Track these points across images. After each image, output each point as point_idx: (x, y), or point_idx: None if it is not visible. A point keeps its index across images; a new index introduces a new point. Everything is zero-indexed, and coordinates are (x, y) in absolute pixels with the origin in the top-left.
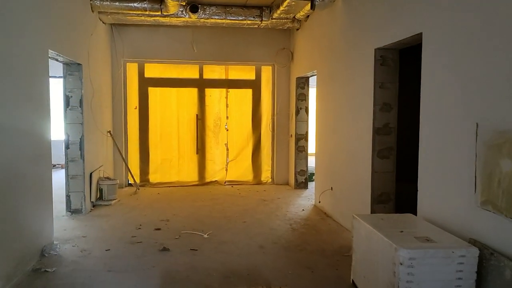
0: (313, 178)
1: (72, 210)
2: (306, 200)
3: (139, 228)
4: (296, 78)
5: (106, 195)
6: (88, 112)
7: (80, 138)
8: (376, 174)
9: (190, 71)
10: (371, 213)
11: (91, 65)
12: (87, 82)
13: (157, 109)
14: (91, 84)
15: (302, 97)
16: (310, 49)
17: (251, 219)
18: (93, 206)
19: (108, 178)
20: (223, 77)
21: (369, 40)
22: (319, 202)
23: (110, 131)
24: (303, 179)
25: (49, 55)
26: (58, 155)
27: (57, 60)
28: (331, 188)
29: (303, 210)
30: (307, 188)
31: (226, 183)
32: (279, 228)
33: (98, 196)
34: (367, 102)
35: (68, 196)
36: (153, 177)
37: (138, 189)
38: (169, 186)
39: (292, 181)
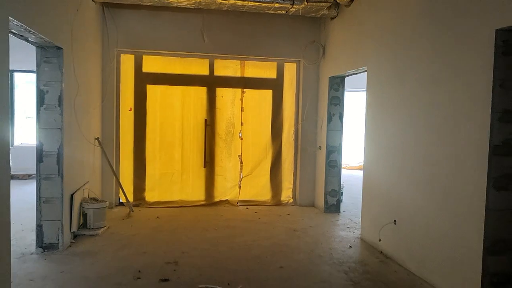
0: (341, 198)
1: (45, 245)
2: (347, 230)
3: (138, 278)
4: (329, 77)
5: (92, 221)
6: (70, 114)
7: (58, 148)
8: (492, 213)
9: (198, 67)
10: (484, 268)
11: (75, 51)
12: (69, 73)
13: (156, 112)
14: (74, 77)
15: (336, 101)
16: (355, 40)
17: (288, 261)
18: (74, 237)
19: (94, 200)
20: (238, 74)
21: (483, 18)
22: (380, 240)
23: (98, 138)
24: (334, 201)
25: (10, 28)
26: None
27: (27, 39)
28: (394, 221)
29: (350, 246)
30: (340, 211)
31: (239, 204)
32: (334, 281)
33: (82, 223)
34: (475, 108)
35: (39, 227)
36: (150, 195)
37: (132, 210)
38: (170, 207)
39: (320, 202)
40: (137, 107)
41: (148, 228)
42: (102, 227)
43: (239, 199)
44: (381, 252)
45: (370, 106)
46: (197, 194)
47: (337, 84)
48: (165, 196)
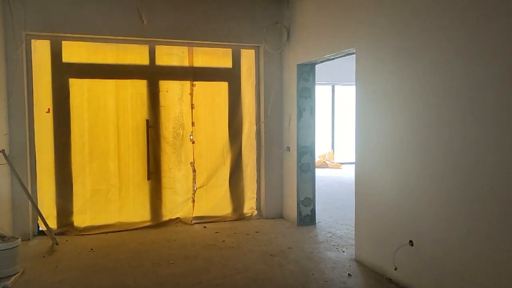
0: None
1: None
2: (334, 250)
3: None
4: (298, 66)
5: None
6: None
7: None
8: None
9: (136, 55)
10: None
11: None
12: None
13: (83, 113)
14: None
15: (306, 93)
16: (336, 16)
17: None
18: None
19: (0, 237)
20: (186, 63)
21: None
22: (396, 269)
23: (3, 150)
24: (309, 211)
25: None
26: None
27: None
28: (410, 242)
29: (349, 275)
30: (315, 223)
31: (193, 222)
32: None
33: None
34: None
35: None
36: (79, 219)
37: (56, 242)
38: (107, 232)
39: (292, 214)
40: (57, 107)
41: (79, 269)
42: (13, 275)
43: (194, 215)
44: (391, 279)
45: (362, 98)
46: (140, 213)
47: (307, 73)
48: (99, 219)
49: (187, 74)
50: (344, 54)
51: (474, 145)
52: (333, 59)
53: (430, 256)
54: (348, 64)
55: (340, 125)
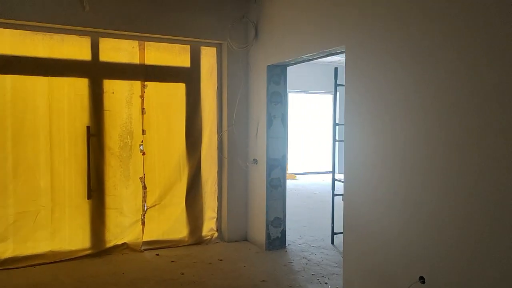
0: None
1: None
2: (316, 282)
3: None
4: (268, 67)
5: None
6: None
7: None
8: None
9: (75, 48)
10: None
11: None
12: None
13: (6, 117)
14: None
15: (277, 98)
16: (316, 11)
17: None
18: None
19: None
20: (137, 61)
21: None
22: None
23: None
24: (278, 233)
25: None
26: None
27: None
28: (421, 279)
29: None
30: (285, 247)
31: (144, 248)
32: None
33: None
34: None
35: None
36: (0, 249)
37: None
38: (35, 265)
39: (259, 236)
40: None
41: None
42: None
43: (144, 240)
44: None
45: (353, 104)
46: (78, 240)
47: (278, 76)
48: (25, 249)
49: (137, 73)
50: (326, 53)
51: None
52: (311, 59)
53: None
54: (300, 70)
55: (293, 134)
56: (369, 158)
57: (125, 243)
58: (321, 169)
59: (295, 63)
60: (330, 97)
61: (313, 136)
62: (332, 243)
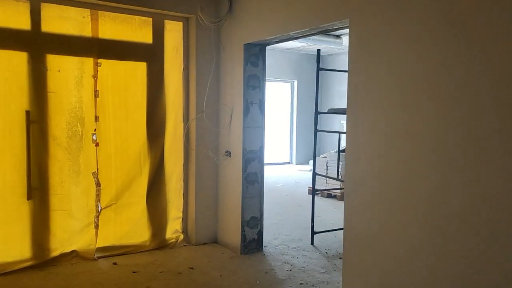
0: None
1: None
2: None
3: None
4: (245, 45)
5: None
6: None
7: None
8: None
9: (9, 14)
10: None
11: None
12: None
13: None
14: None
15: (255, 82)
16: None
17: None
18: None
19: None
20: (88, 33)
21: None
22: None
23: None
24: (255, 235)
25: None
26: None
27: None
28: None
29: None
30: (262, 249)
31: (97, 256)
32: None
33: None
34: None
35: None
36: None
37: None
38: None
39: (233, 238)
40: None
41: None
42: None
43: (98, 246)
44: None
45: (361, 90)
46: (15, 249)
47: (256, 56)
48: None
49: (89, 48)
50: (321, 29)
51: None
52: (299, 37)
53: None
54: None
55: None
56: (380, 158)
57: (74, 250)
58: (279, 160)
59: (278, 42)
60: (287, 86)
61: (270, 125)
62: (312, 243)
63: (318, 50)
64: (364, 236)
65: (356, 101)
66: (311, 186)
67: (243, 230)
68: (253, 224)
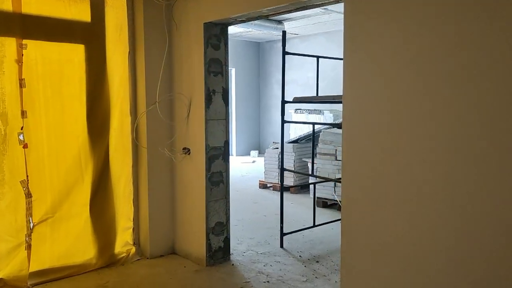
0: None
1: None
2: None
3: None
4: (204, 25)
5: None
6: None
7: None
8: None
9: None
10: None
11: None
12: None
13: None
14: None
15: (217, 68)
16: None
17: None
18: None
19: None
20: (8, 7)
21: None
22: None
23: None
24: (221, 242)
25: None
26: None
27: None
28: None
29: None
30: (229, 258)
31: (31, 284)
32: None
33: None
34: None
35: None
36: None
37: None
38: None
39: (197, 247)
40: None
41: None
42: None
43: (32, 271)
44: None
45: (356, 73)
46: None
47: (217, 38)
48: None
49: (9, 26)
50: (302, 5)
51: None
52: (272, 15)
53: None
54: None
55: None
56: (384, 153)
57: (1, 279)
58: None
59: (245, 21)
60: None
61: None
62: (282, 246)
63: (284, 32)
64: (368, 246)
65: (355, 86)
66: (262, 180)
67: (208, 239)
68: (219, 230)
